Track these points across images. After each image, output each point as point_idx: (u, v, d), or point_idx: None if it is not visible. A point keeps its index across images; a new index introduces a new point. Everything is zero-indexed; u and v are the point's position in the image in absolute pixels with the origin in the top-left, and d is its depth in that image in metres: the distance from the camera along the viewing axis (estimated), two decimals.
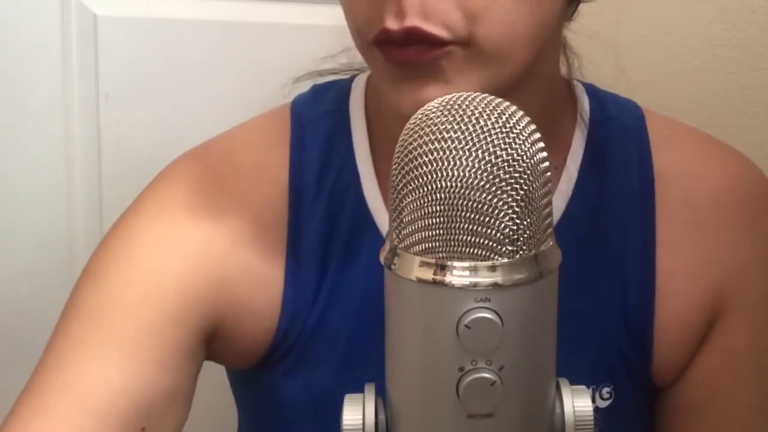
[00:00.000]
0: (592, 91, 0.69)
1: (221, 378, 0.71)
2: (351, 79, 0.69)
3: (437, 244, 0.36)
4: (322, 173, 0.63)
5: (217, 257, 0.60)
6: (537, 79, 0.60)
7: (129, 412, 0.54)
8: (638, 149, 0.65)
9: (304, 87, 0.71)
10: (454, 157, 0.35)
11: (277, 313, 0.62)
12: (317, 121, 0.65)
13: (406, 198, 0.37)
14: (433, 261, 0.36)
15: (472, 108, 0.37)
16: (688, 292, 0.63)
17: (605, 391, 0.64)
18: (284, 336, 0.62)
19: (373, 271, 0.63)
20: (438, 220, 0.36)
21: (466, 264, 0.36)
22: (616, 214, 0.64)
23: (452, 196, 0.35)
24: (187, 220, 0.60)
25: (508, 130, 0.36)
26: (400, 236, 0.37)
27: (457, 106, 0.37)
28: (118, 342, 0.55)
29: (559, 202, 0.63)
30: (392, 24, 0.51)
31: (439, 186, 0.36)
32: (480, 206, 0.35)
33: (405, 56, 0.52)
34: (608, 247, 0.64)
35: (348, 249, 0.63)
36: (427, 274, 0.36)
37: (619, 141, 0.66)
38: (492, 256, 0.36)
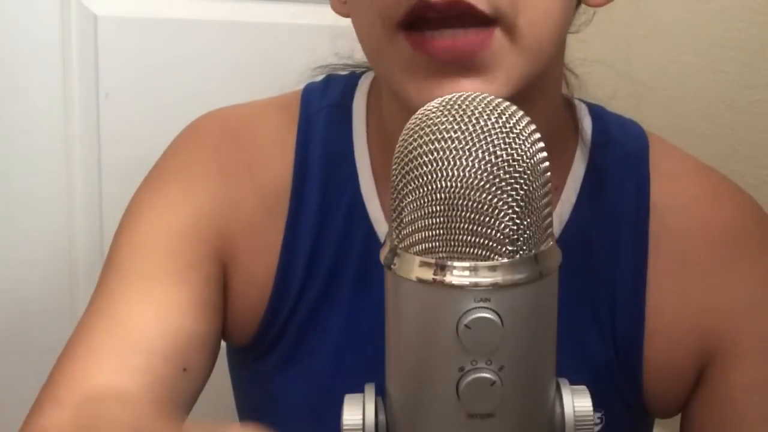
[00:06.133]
0: (598, 113, 0.67)
1: (222, 376, 0.71)
2: (360, 75, 0.70)
3: (437, 244, 0.36)
4: (322, 164, 0.64)
5: (225, 212, 0.63)
6: (546, 89, 0.59)
7: (172, 351, 0.57)
8: (637, 178, 0.64)
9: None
10: (454, 157, 0.35)
11: (269, 283, 0.64)
12: (321, 113, 0.66)
13: (406, 198, 0.37)
14: (433, 261, 0.36)
15: (472, 108, 0.37)
16: (675, 330, 0.62)
17: (596, 416, 0.63)
18: (275, 313, 0.64)
19: (364, 267, 0.63)
20: (438, 220, 0.36)
21: (466, 264, 0.36)
22: (608, 242, 0.63)
23: (452, 196, 0.35)
24: (202, 176, 0.64)
25: (508, 130, 0.36)
26: (400, 236, 0.37)
27: (457, 106, 0.37)
28: (152, 289, 0.59)
29: (555, 224, 0.62)
30: None
31: (439, 186, 0.35)
32: (480, 206, 0.35)
33: (441, 45, 0.50)
34: (598, 275, 0.63)
35: (340, 243, 0.63)
36: (427, 274, 0.36)
37: (618, 167, 0.64)
38: (492, 256, 0.36)
